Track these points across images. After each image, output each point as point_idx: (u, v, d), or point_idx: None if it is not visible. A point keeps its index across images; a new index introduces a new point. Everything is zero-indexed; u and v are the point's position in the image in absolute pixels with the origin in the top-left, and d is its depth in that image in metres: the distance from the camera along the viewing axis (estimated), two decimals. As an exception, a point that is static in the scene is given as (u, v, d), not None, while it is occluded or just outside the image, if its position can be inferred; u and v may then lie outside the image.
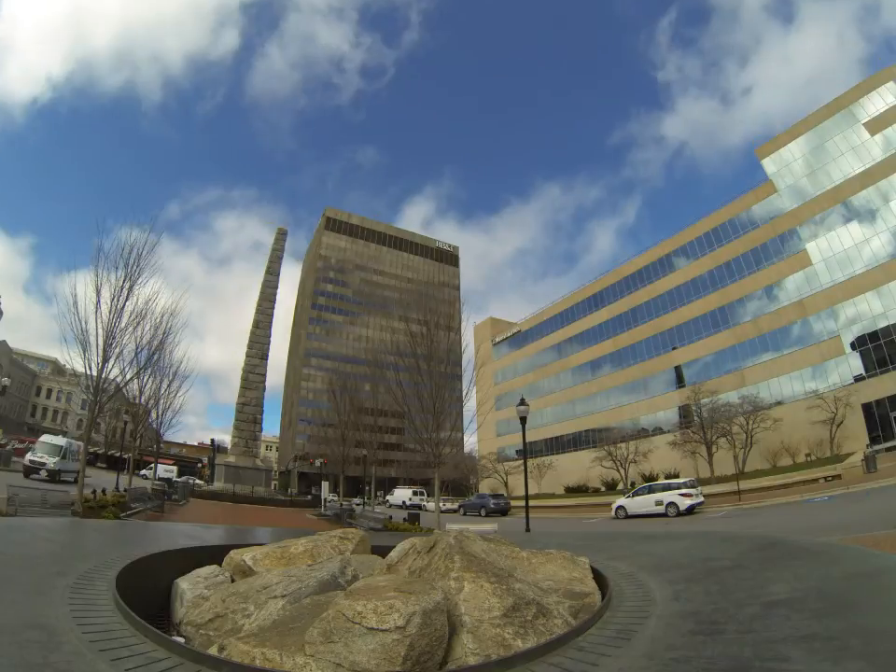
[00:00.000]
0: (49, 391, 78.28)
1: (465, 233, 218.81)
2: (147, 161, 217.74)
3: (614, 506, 25.52)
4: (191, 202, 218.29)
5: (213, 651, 2.81)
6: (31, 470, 23.12)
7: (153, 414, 25.87)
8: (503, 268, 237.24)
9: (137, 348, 15.33)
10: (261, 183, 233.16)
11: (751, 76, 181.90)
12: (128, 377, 15.36)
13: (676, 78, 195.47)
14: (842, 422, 34.81)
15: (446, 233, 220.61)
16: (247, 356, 37.83)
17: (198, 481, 28.66)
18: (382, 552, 5.01)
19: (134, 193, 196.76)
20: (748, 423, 37.29)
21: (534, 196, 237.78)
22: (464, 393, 17.39)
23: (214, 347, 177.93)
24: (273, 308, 39.99)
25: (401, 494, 48.17)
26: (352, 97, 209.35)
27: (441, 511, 17.20)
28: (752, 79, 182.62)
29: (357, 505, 33.13)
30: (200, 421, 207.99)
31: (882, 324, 35.94)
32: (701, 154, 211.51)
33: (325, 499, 28.77)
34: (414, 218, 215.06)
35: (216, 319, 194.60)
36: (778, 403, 40.22)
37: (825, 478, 26.79)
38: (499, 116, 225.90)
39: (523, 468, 19.72)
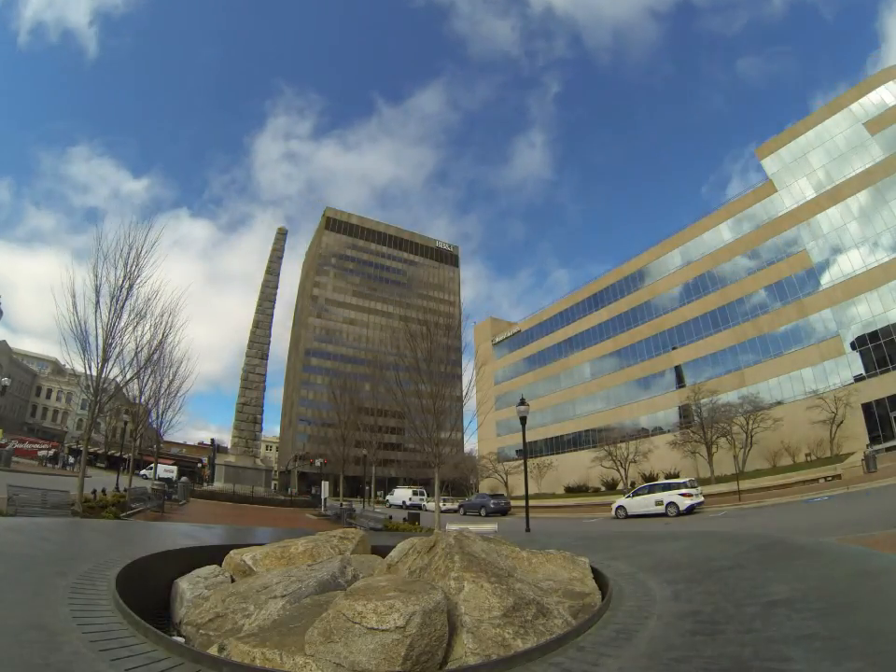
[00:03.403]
0: (49, 391, 78.27)
1: (329, 148, 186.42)
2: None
3: (614, 506, 25.51)
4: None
5: (213, 650, 2.81)
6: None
7: (153, 414, 25.85)
8: (399, 197, 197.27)
9: (137, 348, 15.30)
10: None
11: None
12: (128, 377, 15.37)
13: None
14: (842, 422, 34.80)
15: (320, 156, 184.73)
16: (247, 356, 37.81)
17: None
18: (382, 552, 5.01)
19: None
20: (748, 423, 37.29)
21: (409, 102, 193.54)
22: (464, 393, 17.38)
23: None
24: (273, 308, 39.97)
25: (401, 494, 48.14)
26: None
27: (441, 511, 17.20)
28: None
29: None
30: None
31: (882, 324, 35.94)
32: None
33: (325, 499, 28.77)
34: (274, 140, 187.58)
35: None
36: (778, 403, 40.21)
37: (825, 478, 26.80)
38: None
39: (523, 468, 19.72)
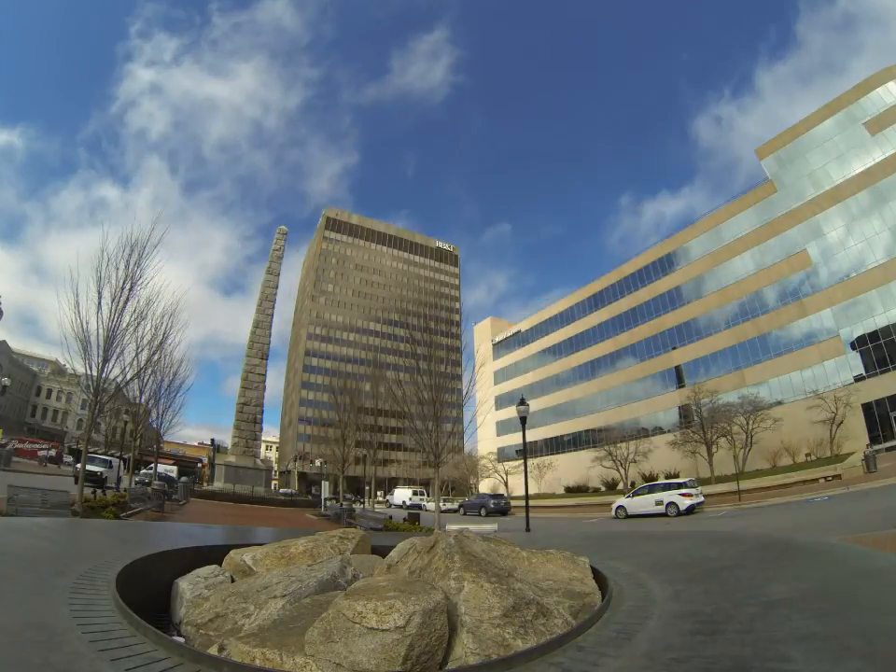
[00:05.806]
0: (50, 391, 78.22)
1: (189, 74, 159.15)
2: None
3: (614, 506, 25.51)
4: None
5: (213, 650, 2.81)
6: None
7: (153, 414, 25.82)
8: (279, 132, 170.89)
9: (138, 348, 15.27)
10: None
11: None
12: (128, 377, 15.34)
13: None
14: (842, 422, 34.79)
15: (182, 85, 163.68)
16: (247, 356, 37.80)
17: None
18: (382, 552, 5.00)
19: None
20: (748, 423, 37.29)
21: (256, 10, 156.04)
22: (464, 393, 17.37)
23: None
24: (274, 308, 39.95)
25: (401, 494, 48.15)
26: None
27: (441, 511, 17.19)
28: None
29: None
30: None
31: (882, 324, 35.95)
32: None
33: (325, 499, 28.80)
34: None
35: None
36: (778, 403, 40.21)
37: (825, 478, 26.80)
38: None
39: (523, 468, 19.71)
